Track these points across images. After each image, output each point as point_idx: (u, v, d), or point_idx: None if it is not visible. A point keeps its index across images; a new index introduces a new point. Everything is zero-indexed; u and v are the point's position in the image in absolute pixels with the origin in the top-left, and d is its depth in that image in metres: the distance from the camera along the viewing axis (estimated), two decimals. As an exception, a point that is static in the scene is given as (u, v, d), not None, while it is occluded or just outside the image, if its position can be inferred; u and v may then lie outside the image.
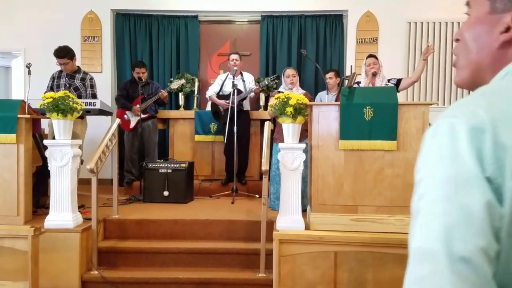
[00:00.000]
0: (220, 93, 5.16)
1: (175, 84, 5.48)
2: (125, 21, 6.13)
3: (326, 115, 3.25)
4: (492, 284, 0.54)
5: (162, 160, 4.89)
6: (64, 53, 4.41)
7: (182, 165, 4.64)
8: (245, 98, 5.11)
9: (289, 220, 3.21)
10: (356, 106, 3.16)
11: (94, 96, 4.55)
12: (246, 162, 5.20)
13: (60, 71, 4.58)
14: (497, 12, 0.70)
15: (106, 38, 6.04)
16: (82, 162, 3.78)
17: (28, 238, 2.89)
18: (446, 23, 5.83)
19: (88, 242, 3.40)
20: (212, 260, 3.49)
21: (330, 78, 4.84)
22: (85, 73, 4.66)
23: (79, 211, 3.56)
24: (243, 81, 5.14)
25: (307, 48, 5.86)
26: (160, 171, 4.62)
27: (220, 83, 5.21)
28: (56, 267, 3.25)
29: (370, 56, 4.24)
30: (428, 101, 5.64)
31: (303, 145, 3.23)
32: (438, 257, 0.54)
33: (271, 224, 3.37)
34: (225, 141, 4.83)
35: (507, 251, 0.56)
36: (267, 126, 3.75)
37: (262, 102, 5.89)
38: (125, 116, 5.23)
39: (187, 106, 6.04)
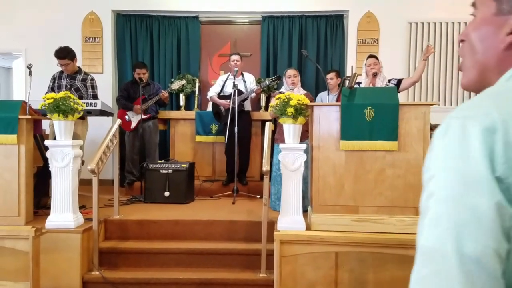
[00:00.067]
0: (221, 94, 5.17)
1: (175, 85, 5.49)
2: (126, 21, 6.14)
3: (327, 116, 3.25)
4: (501, 283, 0.54)
5: (163, 161, 4.89)
6: (64, 54, 4.42)
7: (183, 165, 4.64)
8: (246, 99, 5.11)
9: (290, 220, 3.21)
10: (357, 107, 3.16)
11: (95, 96, 4.55)
12: (247, 162, 5.20)
13: (61, 72, 4.59)
14: (504, 14, 0.70)
15: (107, 39, 6.05)
16: (83, 162, 3.78)
17: (29, 238, 2.89)
18: (447, 23, 5.83)
19: (89, 242, 3.41)
20: (213, 260, 3.49)
21: (331, 79, 4.84)
22: (86, 73, 4.67)
23: (80, 212, 3.56)
24: (244, 81, 5.15)
25: (307, 48, 5.86)
26: (161, 171, 4.62)
27: (221, 84, 5.21)
28: (57, 268, 3.25)
29: (371, 56, 4.24)
30: (429, 102, 5.63)
31: (304, 146, 3.23)
32: (447, 256, 0.55)
33: (272, 225, 3.37)
34: (226, 142, 4.83)
35: None
36: (268, 126, 3.75)
37: (263, 103, 5.89)
38: (126, 116, 5.23)
39: (188, 107, 6.04)
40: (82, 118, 4.19)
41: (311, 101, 3.94)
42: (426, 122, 3.14)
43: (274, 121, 4.51)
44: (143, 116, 5.13)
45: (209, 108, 5.72)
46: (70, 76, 4.55)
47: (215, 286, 3.33)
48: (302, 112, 3.17)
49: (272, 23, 6.08)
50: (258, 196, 4.76)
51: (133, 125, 5.22)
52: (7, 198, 3.51)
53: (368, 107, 3.14)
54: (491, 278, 0.54)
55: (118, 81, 6.15)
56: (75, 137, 3.63)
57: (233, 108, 4.74)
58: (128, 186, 5.21)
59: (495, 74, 0.71)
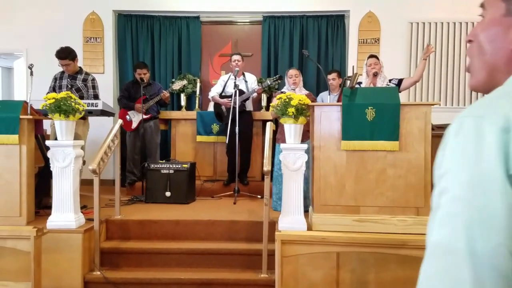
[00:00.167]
0: (223, 94, 5.17)
1: (177, 85, 5.49)
2: (127, 22, 6.14)
3: (328, 116, 3.25)
4: (511, 280, 0.55)
5: (164, 161, 4.89)
6: (65, 54, 4.42)
7: (184, 165, 4.64)
8: (247, 99, 5.11)
9: (291, 220, 3.21)
10: (358, 107, 3.16)
11: (96, 97, 4.56)
12: (248, 162, 5.20)
13: (62, 72, 4.59)
14: None
15: (108, 39, 6.05)
16: (84, 162, 3.79)
17: (30, 238, 2.89)
18: (448, 23, 5.82)
19: (90, 242, 3.41)
20: (214, 260, 3.49)
21: (333, 79, 4.84)
22: (87, 74, 4.67)
23: (82, 212, 3.57)
24: (246, 81, 5.15)
25: (308, 48, 5.86)
26: (162, 171, 4.62)
27: (222, 84, 5.21)
28: (59, 268, 3.25)
29: (371, 56, 4.24)
30: (430, 102, 5.62)
31: (305, 146, 3.23)
32: (459, 253, 0.56)
33: (273, 225, 3.37)
34: (227, 142, 4.83)
35: None
36: (269, 126, 3.75)
37: (264, 103, 5.89)
38: (127, 116, 5.23)
39: (189, 107, 6.04)
40: (83, 118, 4.19)
41: (312, 101, 3.94)
42: (428, 122, 3.14)
43: (276, 121, 4.51)
44: (144, 116, 5.14)
45: (210, 108, 5.73)
46: (71, 76, 4.56)
47: (216, 286, 3.33)
48: (303, 112, 3.17)
49: (273, 23, 6.08)
50: (259, 196, 4.76)
51: (134, 125, 5.23)
52: (8, 198, 3.51)
53: (369, 107, 3.14)
54: (502, 277, 0.54)
55: (119, 81, 6.15)
56: (76, 137, 3.63)
57: (234, 108, 4.74)
58: (129, 186, 5.22)
59: (504, 75, 0.71)
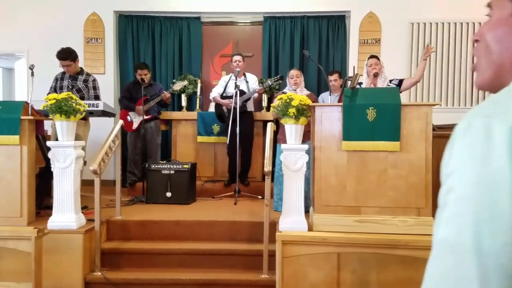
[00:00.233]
0: (224, 95, 5.17)
1: (177, 86, 5.49)
2: (127, 22, 6.15)
3: (329, 116, 3.24)
4: None
5: (164, 161, 4.89)
6: (66, 55, 4.42)
7: (184, 166, 4.64)
8: (248, 99, 5.11)
9: (292, 221, 3.21)
10: (359, 107, 3.15)
11: (96, 97, 4.56)
12: (248, 163, 5.20)
13: (63, 73, 4.60)
14: None
15: (109, 40, 6.06)
16: (85, 163, 3.79)
17: (31, 239, 2.89)
18: (449, 23, 5.82)
19: (91, 243, 3.41)
20: (215, 261, 3.49)
21: (335, 81, 4.83)
22: (88, 74, 4.67)
23: (82, 212, 3.57)
24: (247, 82, 5.15)
25: (309, 49, 5.85)
26: (162, 172, 4.62)
27: (223, 85, 5.21)
28: (59, 268, 3.25)
29: (372, 56, 4.24)
30: (431, 102, 5.62)
31: (305, 146, 3.23)
32: (466, 250, 0.56)
33: (274, 225, 3.37)
34: (228, 142, 4.83)
35: None
36: (270, 127, 3.75)
37: (264, 103, 5.89)
38: (128, 117, 5.24)
39: (190, 107, 6.04)
40: (84, 119, 4.19)
41: (314, 102, 3.94)
42: (428, 123, 3.13)
43: (276, 121, 4.51)
44: (145, 117, 5.14)
45: (211, 109, 5.73)
46: (72, 77, 4.56)
47: (217, 286, 3.33)
48: (303, 112, 3.17)
49: (274, 24, 6.08)
50: (260, 197, 4.76)
51: (135, 125, 5.23)
52: (9, 199, 3.52)
53: (370, 108, 3.13)
54: (508, 276, 0.55)
55: (120, 82, 6.16)
56: (77, 137, 3.63)
57: (235, 109, 4.74)
58: (130, 186, 5.22)
59: (511, 74, 0.71)
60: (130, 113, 5.24)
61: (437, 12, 5.76)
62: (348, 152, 3.19)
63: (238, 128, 4.68)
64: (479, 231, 0.56)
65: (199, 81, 5.99)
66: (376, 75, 4.07)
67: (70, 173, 3.36)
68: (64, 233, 3.29)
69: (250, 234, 3.66)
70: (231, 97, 4.97)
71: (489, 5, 0.77)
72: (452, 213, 0.59)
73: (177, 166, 4.65)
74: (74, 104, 3.36)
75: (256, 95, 5.17)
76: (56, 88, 4.56)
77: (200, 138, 5.52)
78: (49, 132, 4.66)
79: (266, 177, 3.31)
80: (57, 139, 3.48)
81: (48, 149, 3.43)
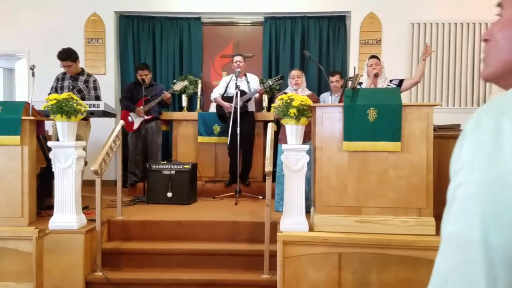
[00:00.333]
0: (225, 95, 5.17)
1: (178, 86, 5.49)
2: (128, 23, 6.15)
3: (330, 117, 3.25)
4: None
5: (165, 162, 4.89)
6: (67, 55, 4.43)
7: (185, 166, 4.64)
8: (249, 99, 5.11)
9: (292, 221, 3.21)
10: (360, 107, 3.15)
11: (97, 98, 4.56)
12: (249, 163, 5.20)
13: (64, 73, 4.60)
14: None
15: (110, 40, 6.06)
16: (86, 163, 3.79)
17: (32, 239, 2.89)
18: (449, 24, 5.82)
19: (92, 243, 3.41)
20: (216, 261, 3.49)
21: (337, 81, 4.83)
22: (89, 75, 4.68)
23: (83, 213, 3.57)
24: (248, 82, 5.15)
25: (310, 49, 5.85)
26: (163, 172, 4.62)
27: (224, 85, 5.21)
28: (60, 269, 3.25)
29: (372, 57, 4.24)
30: (432, 102, 5.62)
31: (306, 147, 3.23)
32: (473, 245, 0.57)
33: (274, 226, 3.37)
34: (228, 142, 4.83)
35: None
36: (270, 127, 3.75)
37: (265, 104, 5.89)
38: (129, 117, 5.24)
39: (190, 108, 6.04)
40: (85, 119, 4.19)
41: (315, 102, 3.95)
42: (429, 123, 3.13)
43: (277, 122, 4.51)
44: (146, 117, 5.14)
45: (211, 109, 5.73)
46: (73, 77, 4.56)
47: (217, 287, 3.33)
48: (304, 113, 3.17)
49: (274, 24, 6.08)
50: (260, 197, 4.76)
51: (136, 126, 5.23)
52: (10, 199, 3.52)
53: (371, 108, 3.14)
54: None
55: (121, 82, 6.16)
56: (78, 138, 3.63)
57: (236, 109, 4.74)
58: (131, 187, 5.22)
59: None
60: (131, 113, 5.25)
61: (437, 13, 5.76)
62: (349, 153, 3.19)
63: (239, 128, 4.68)
64: (486, 227, 0.57)
65: (199, 81, 5.99)
66: (376, 75, 4.07)
67: (71, 173, 3.36)
68: (65, 233, 3.29)
69: (251, 235, 3.66)
70: (232, 97, 4.98)
71: (499, 5, 0.77)
72: (460, 209, 0.60)
73: (178, 167, 4.65)
74: (75, 105, 3.36)
75: (257, 95, 5.18)
76: (57, 88, 4.56)
77: (200, 139, 5.52)
78: (50, 133, 4.67)
79: (267, 177, 3.31)
80: (58, 140, 3.48)
81: (49, 149, 3.43)
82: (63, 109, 3.31)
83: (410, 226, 3.11)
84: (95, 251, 3.40)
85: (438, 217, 3.12)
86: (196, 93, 5.98)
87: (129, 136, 5.29)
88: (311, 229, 3.22)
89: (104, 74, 5.97)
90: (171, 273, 3.40)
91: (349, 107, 3.17)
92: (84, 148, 3.65)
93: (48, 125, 4.51)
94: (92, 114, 4.19)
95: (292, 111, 3.12)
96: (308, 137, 3.69)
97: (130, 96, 5.29)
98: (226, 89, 5.18)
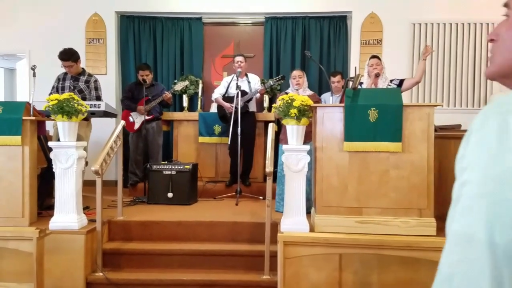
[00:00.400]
0: (226, 95, 5.17)
1: (179, 86, 5.49)
2: (129, 23, 6.15)
3: (331, 117, 3.24)
4: None
5: (166, 162, 4.89)
6: (68, 55, 4.43)
7: (186, 166, 4.64)
8: (250, 99, 5.11)
9: (293, 222, 3.20)
10: (361, 108, 3.15)
11: (98, 98, 4.56)
12: (250, 163, 5.20)
13: (65, 73, 4.60)
14: None
15: (111, 40, 6.06)
16: (86, 164, 3.79)
17: (33, 239, 2.89)
18: (450, 24, 5.81)
19: (92, 243, 3.41)
20: (216, 262, 3.49)
21: (338, 82, 4.83)
22: (90, 75, 4.68)
23: (84, 213, 3.57)
24: (249, 82, 5.15)
25: (311, 49, 5.85)
26: (164, 172, 4.62)
27: (225, 85, 5.21)
28: (61, 269, 3.25)
29: (373, 57, 4.24)
30: (433, 103, 5.61)
31: (307, 147, 3.22)
32: (479, 243, 0.57)
33: (275, 226, 3.36)
34: (229, 142, 4.83)
35: None
36: (271, 127, 3.75)
37: (266, 104, 5.89)
38: (130, 117, 5.24)
39: (191, 108, 6.04)
40: (86, 119, 4.19)
41: (316, 102, 3.94)
42: (430, 123, 3.13)
43: (278, 122, 4.51)
44: (147, 117, 5.14)
45: (212, 109, 5.73)
46: (74, 77, 4.56)
47: (218, 287, 3.33)
48: (305, 113, 3.16)
49: (275, 24, 6.08)
50: (261, 198, 4.75)
51: (137, 126, 5.23)
52: (11, 199, 3.52)
53: (372, 108, 3.13)
54: None
55: (122, 82, 6.16)
56: (79, 138, 3.63)
57: (236, 109, 4.74)
58: (131, 187, 5.22)
59: None
60: (132, 113, 5.25)
61: (438, 13, 5.76)
62: (349, 153, 3.18)
63: (239, 128, 4.68)
64: (491, 225, 0.57)
65: (200, 81, 5.99)
66: (377, 76, 4.07)
67: (72, 173, 3.37)
68: (66, 234, 3.29)
69: (252, 235, 3.65)
70: (233, 97, 4.97)
71: (506, 5, 0.77)
72: (465, 206, 0.60)
73: (179, 167, 4.65)
74: (76, 105, 3.36)
75: (258, 95, 5.17)
76: (58, 88, 4.56)
77: (201, 139, 5.52)
78: (51, 133, 4.67)
79: (267, 177, 3.30)
80: (58, 140, 3.48)
81: (50, 149, 3.44)
82: (64, 109, 3.31)
83: (411, 227, 3.11)
84: (95, 252, 3.40)
85: (439, 217, 3.12)
86: (197, 93, 5.98)
87: (130, 136, 5.29)
88: (311, 229, 3.21)
89: (105, 74, 5.97)
90: (171, 273, 3.40)
91: (350, 107, 3.17)
92: (85, 148, 3.65)
93: (49, 125, 4.52)
94: (93, 114, 4.19)
95: (293, 111, 3.11)
96: (309, 137, 3.69)
97: (131, 96, 5.29)
98: (227, 89, 5.18)
